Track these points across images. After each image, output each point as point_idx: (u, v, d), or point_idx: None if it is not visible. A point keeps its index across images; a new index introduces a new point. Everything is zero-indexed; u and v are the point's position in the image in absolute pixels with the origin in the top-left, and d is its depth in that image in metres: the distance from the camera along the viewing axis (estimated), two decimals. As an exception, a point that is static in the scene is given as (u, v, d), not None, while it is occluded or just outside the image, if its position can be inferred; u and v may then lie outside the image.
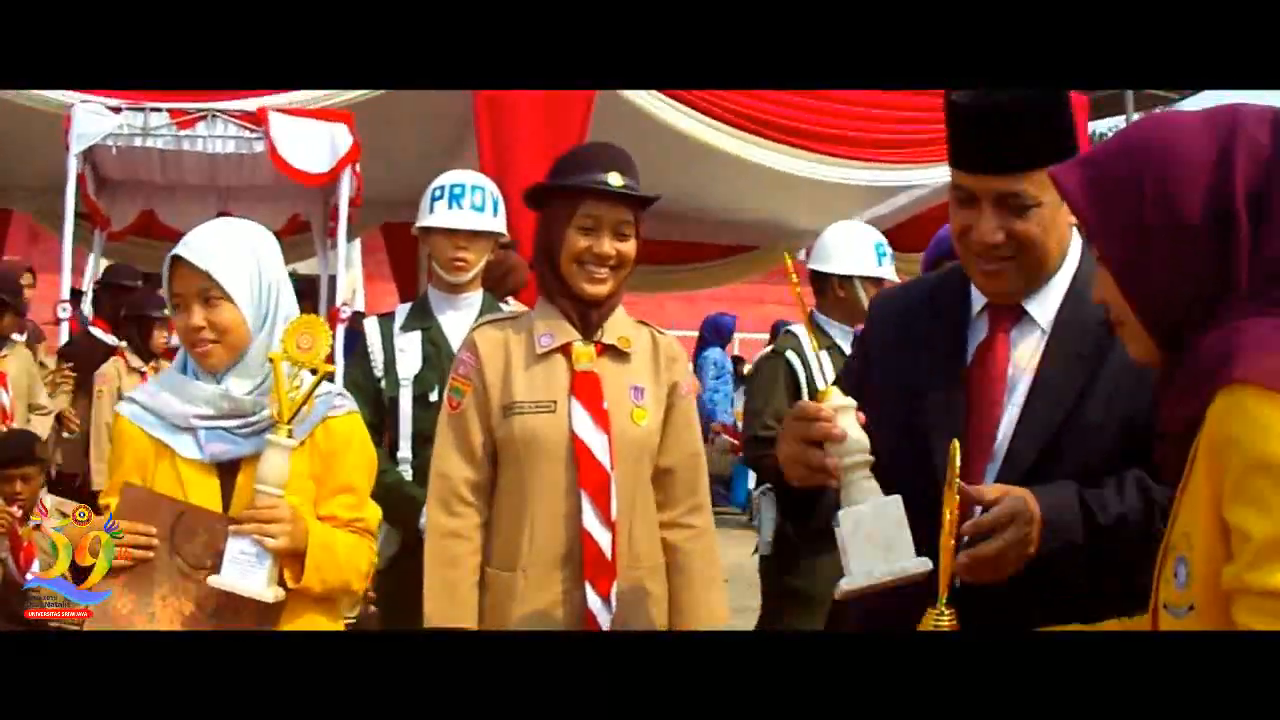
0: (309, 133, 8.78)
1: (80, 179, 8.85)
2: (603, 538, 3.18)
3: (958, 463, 2.01)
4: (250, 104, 8.55)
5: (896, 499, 2.20)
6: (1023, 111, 2.31)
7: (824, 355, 4.85)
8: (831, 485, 2.25)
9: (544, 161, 3.92)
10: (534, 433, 3.22)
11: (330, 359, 2.91)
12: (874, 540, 2.16)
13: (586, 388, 3.25)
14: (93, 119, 8.45)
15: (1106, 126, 22.40)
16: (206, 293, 2.93)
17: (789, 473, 2.30)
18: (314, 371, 2.92)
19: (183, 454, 2.94)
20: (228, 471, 2.97)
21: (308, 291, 18.21)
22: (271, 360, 2.91)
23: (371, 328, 4.59)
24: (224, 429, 2.95)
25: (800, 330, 4.94)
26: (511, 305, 5.06)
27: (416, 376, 4.41)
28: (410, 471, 4.34)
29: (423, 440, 4.00)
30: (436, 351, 4.40)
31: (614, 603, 3.19)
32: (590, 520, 3.18)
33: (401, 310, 4.68)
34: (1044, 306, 2.43)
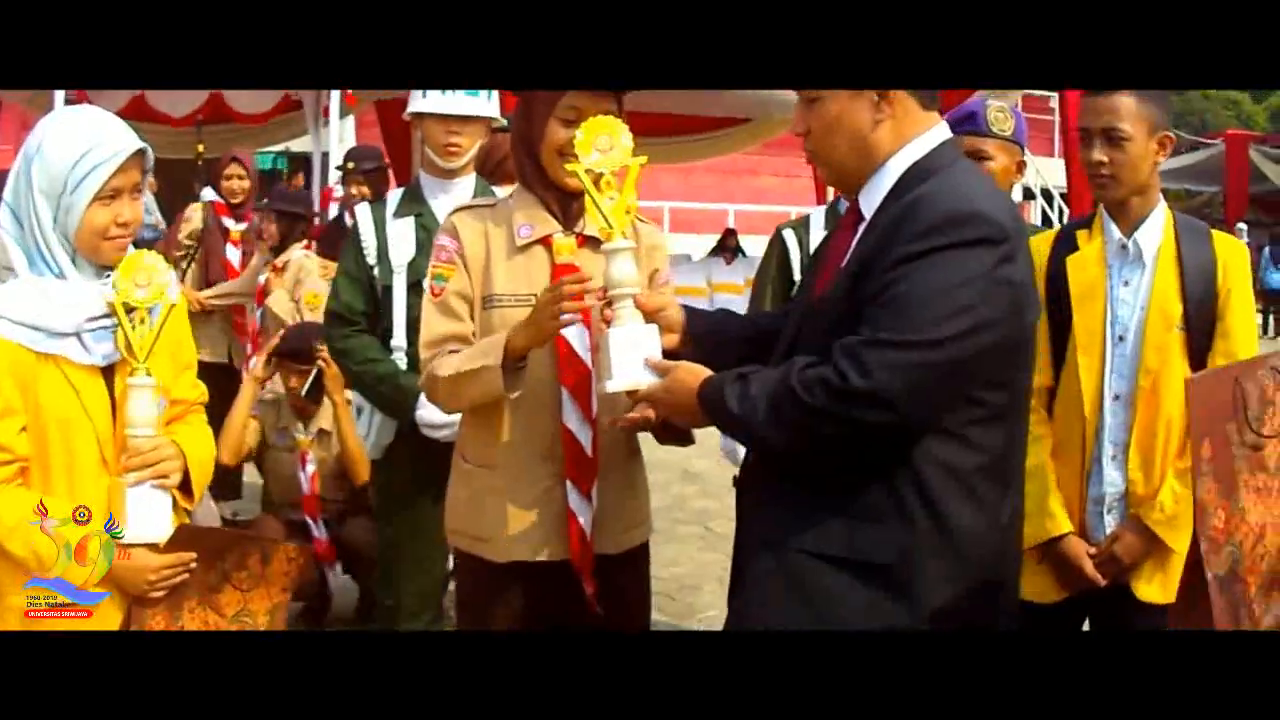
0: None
1: (70, 64, 8.77)
2: (583, 435, 3.09)
3: None
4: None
5: (654, 327, 2.78)
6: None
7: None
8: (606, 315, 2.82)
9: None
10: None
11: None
12: (636, 354, 2.71)
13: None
14: (81, 3, 8.35)
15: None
16: (139, 186, 2.89)
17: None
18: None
19: (76, 359, 2.84)
20: (107, 373, 2.90)
21: (301, 169, 18.14)
22: (112, 306, 2.84)
23: (363, 214, 4.53)
24: (105, 328, 2.86)
25: (815, 211, 4.87)
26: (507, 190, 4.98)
27: (410, 263, 4.35)
28: (405, 360, 4.30)
29: (418, 328, 3.98)
30: (429, 238, 4.29)
31: (594, 500, 3.11)
32: (570, 417, 3.08)
33: (393, 196, 4.59)
34: (869, 201, 2.59)
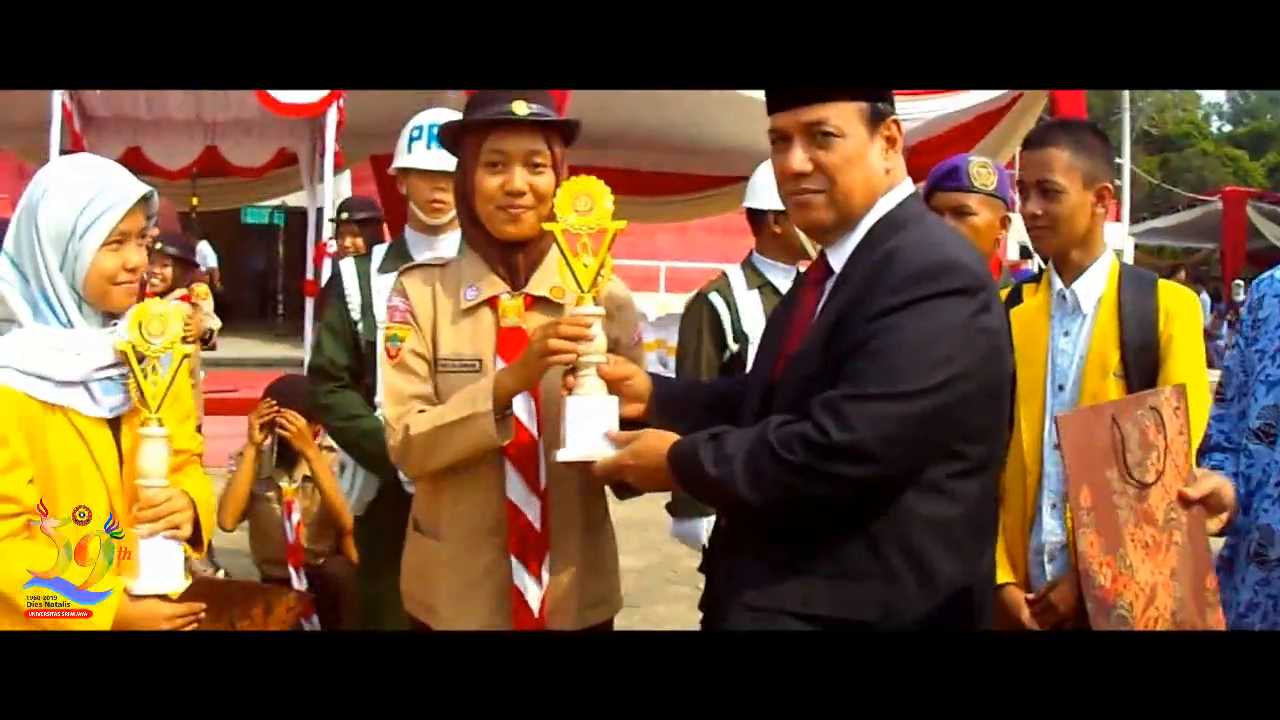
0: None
1: (66, 115, 8.79)
2: (530, 508, 2.93)
3: None
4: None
5: (615, 399, 2.75)
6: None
7: (755, 294, 4.67)
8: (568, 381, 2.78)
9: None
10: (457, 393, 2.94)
11: (199, 338, 2.90)
12: (595, 426, 2.70)
13: (512, 346, 2.94)
14: (76, 55, 8.37)
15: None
16: (144, 231, 2.89)
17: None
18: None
19: (84, 411, 2.82)
20: (114, 424, 2.89)
21: (296, 225, 18.09)
22: (124, 353, 2.83)
23: (348, 269, 4.51)
24: (112, 378, 2.86)
25: (733, 270, 4.84)
26: None
27: None
28: (388, 416, 4.24)
29: None
30: None
31: (545, 577, 2.95)
32: (515, 490, 2.93)
33: (379, 251, 4.58)
34: (838, 255, 2.63)
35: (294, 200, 15.69)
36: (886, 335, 2.39)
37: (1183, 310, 3.40)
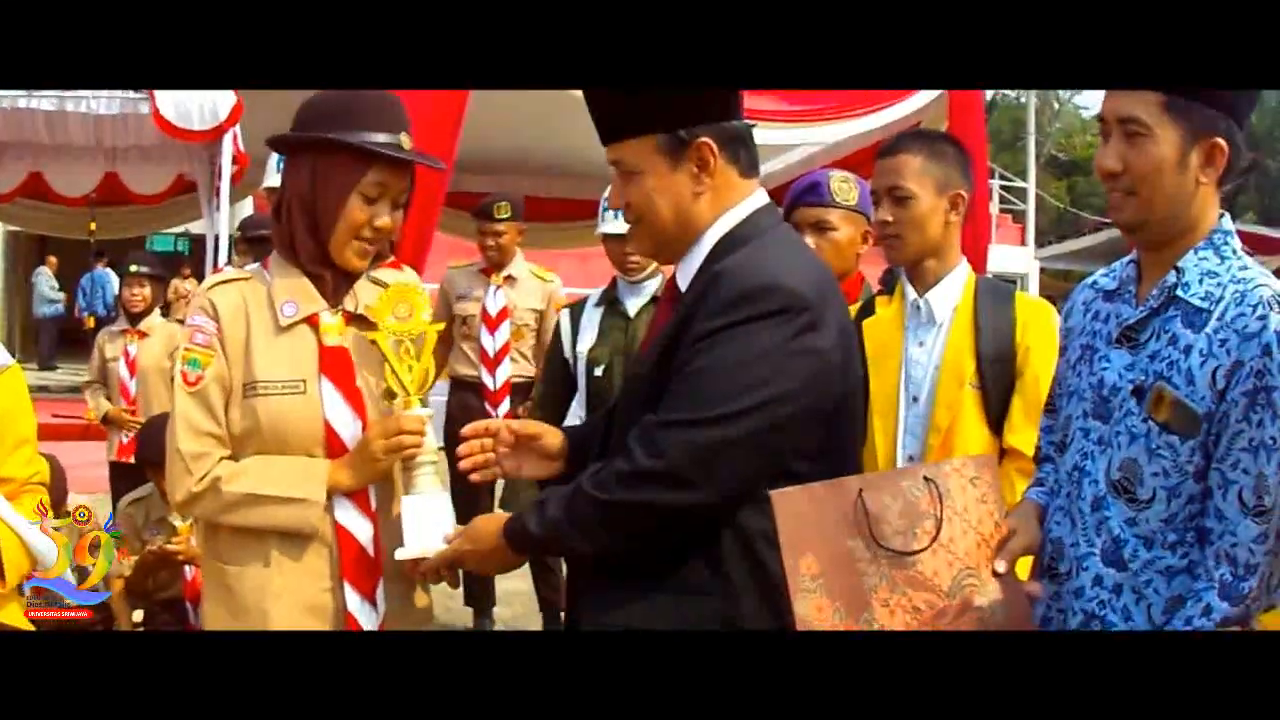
0: (192, 93, 8.80)
1: (-34, 139, 8.81)
2: (362, 530, 2.81)
3: None
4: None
5: (448, 495, 2.81)
6: (603, 94, 2.58)
7: None
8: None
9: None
10: (282, 416, 2.77)
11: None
12: (429, 522, 2.76)
13: (336, 365, 2.82)
14: (-26, 81, 8.37)
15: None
16: None
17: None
18: None
19: None
20: None
21: (200, 253, 18.00)
22: None
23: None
24: None
25: (593, 292, 5.21)
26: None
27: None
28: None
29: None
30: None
31: (380, 602, 2.82)
32: (344, 513, 2.80)
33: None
34: (685, 274, 2.60)
35: (196, 228, 15.67)
36: (702, 359, 2.38)
37: (1039, 321, 3.36)
